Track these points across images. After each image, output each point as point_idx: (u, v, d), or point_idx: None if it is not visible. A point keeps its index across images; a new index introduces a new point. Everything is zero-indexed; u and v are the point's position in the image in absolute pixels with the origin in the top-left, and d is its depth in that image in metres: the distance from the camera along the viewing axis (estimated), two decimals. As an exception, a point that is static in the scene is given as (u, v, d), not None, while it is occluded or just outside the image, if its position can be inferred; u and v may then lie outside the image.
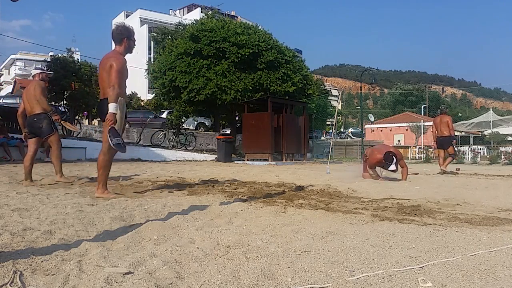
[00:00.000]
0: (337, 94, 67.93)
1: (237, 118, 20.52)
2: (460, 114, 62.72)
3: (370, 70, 27.76)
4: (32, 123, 5.15)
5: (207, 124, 26.56)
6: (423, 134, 34.02)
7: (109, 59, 4.05)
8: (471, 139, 37.20)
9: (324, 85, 41.74)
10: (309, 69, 21.41)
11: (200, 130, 24.99)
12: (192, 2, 57.50)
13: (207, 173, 7.89)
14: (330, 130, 43.81)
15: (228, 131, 22.36)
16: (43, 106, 5.21)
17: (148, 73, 24.41)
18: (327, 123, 41.27)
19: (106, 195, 4.03)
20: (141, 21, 50.00)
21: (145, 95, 38.18)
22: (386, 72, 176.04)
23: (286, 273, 1.79)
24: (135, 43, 4.33)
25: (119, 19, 55.71)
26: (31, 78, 5.66)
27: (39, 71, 5.55)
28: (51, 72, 6.08)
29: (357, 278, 1.72)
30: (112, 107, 3.81)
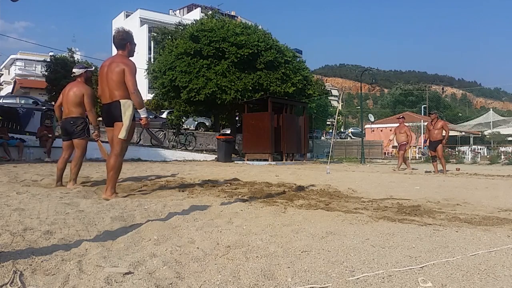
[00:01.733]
0: (337, 94, 67.97)
1: (237, 118, 20.51)
2: (460, 114, 62.72)
3: (370, 70, 27.73)
4: (67, 125, 5.11)
5: (207, 124, 26.55)
6: (423, 134, 34.00)
7: (120, 63, 4.08)
8: (471, 139, 37.21)
9: (324, 85, 41.71)
10: (309, 70, 21.39)
11: (200, 130, 24.98)
12: (192, 2, 57.47)
13: (207, 173, 7.88)
14: (330, 130, 43.81)
15: (228, 131, 22.36)
16: (81, 113, 5.14)
17: (148, 73, 24.42)
18: (327, 123, 41.28)
19: (114, 197, 4.00)
20: (141, 21, 49.97)
21: (145, 95, 38.27)
22: (386, 72, 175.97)
23: (286, 273, 1.79)
24: (135, 46, 4.39)
25: (119, 19, 55.71)
26: (77, 73, 5.13)
27: (83, 70, 5.19)
28: (93, 68, 5.65)
29: (357, 278, 1.72)
30: (143, 113, 4.11)
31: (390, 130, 11.50)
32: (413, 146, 32.52)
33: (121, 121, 4.08)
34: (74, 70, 5.30)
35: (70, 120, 5.09)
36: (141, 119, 4.13)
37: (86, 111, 5.15)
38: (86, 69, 5.28)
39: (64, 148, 5.31)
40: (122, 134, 4.08)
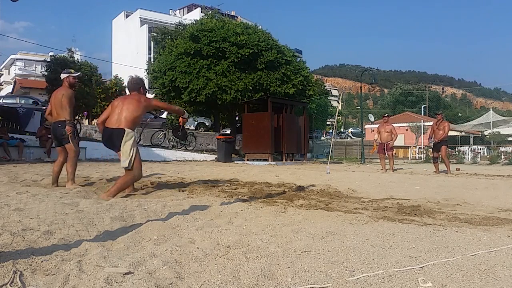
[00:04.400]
0: (337, 94, 68.00)
1: (237, 118, 20.51)
2: (460, 114, 62.74)
3: (370, 70, 27.72)
4: (56, 129, 5.14)
5: (207, 124, 26.55)
6: (423, 134, 34.05)
7: (141, 99, 4.42)
8: (471, 139, 37.22)
9: (324, 85, 41.71)
10: (309, 69, 21.35)
11: (200, 130, 24.98)
12: (192, 2, 57.49)
13: (207, 173, 7.89)
14: (330, 130, 43.79)
15: (228, 131, 22.36)
16: (65, 115, 5.14)
17: (148, 73, 24.39)
18: (327, 123, 41.27)
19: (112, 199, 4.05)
20: (141, 21, 49.95)
21: (145, 95, 38.17)
22: (386, 72, 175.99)
23: (286, 273, 1.78)
24: (147, 91, 4.66)
25: (119, 19, 55.70)
26: (62, 77, 5.27)
27: (66, 74, 5.31)
28: (79, 73, 5.76)
29: (357, 278, 1.72)
30: (185, 115, 4.78)
31: (372, 131, 11.41)
32: (413, 146, 32.57)
33: (120, 149, 4.16)
34: (61, 75, 5.38)
35: (58, 123, 5.11)
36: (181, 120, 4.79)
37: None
38: (69, 74, 5.33)
39: (59, 152, 5.34)
40: (125, 163, 4.14)
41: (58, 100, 5.12)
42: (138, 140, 16.34)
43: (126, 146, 4.15)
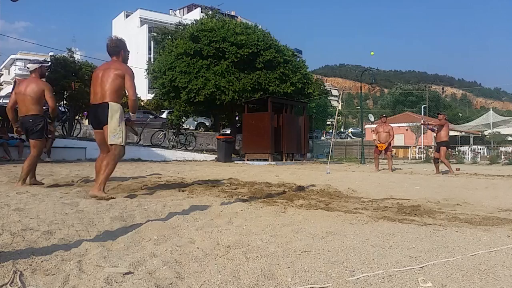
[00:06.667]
0: (337, 94, 68.00)
1: (237, 118, 20.51)
2: (460, 114, 62.75)
3: (370, 70, 27.70)
4: (26, 124, 4.88)
5: (207, 124, 26.56)
6: (423, 134, 34.06)
7: (120, 68, 4.07)
8: (471, 139, 37.23)
9: (324, 85, 41.70)
10: (307, 68, 21.31)
11: (200, 130, 24.98)
12: (192, 2, 57.54)
13: (207, 173, 7.88)
14: (330, 130, 43.80)
15: (228, 131, 22.36)
16: (39, 110, 4.88)
17: (148, 73, 24.40)
18: (327, 123, 41.29)
19: (101, 194, 3.91)
20: (141, 21, 50.01)
21: (145, 95, 38.16)
22: (386, 72, 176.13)
23: (286, 273, 1.78)
24: (129, 53, 4.40)
25: (119, 19, 55.74)
26: (31, 68, 4.92)
27: (37, 65, 4.99)
28: (49, 62, 5.51)
29: (357, 278, 1.72)
30: (134, 117, 4.41)
31: (373, 131, 11.31)
32: (413, 146, 32.59)
33: (107, 124, 3.99)
34: (28, 65, 5.09)
35: (29, 118, 4.86)
36: (130, 120, 4.31)
37: (49, 107, 4.97)
38: (41, 64, 5.09)
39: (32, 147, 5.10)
40: (113, 140, 3.99)
41: (36, 94, 4.81)
42: (138, 140, 16.35)
43: (114, 121, 3.98)
